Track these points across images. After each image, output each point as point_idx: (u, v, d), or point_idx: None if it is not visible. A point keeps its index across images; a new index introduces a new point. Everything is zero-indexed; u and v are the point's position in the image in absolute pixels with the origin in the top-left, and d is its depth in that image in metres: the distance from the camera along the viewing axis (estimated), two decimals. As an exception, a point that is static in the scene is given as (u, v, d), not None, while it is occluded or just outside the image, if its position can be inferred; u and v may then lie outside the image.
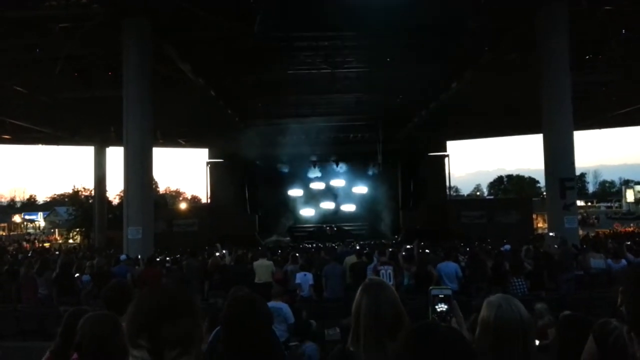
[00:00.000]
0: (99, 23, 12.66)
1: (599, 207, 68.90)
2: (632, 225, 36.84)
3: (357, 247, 17.03)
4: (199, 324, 1.41)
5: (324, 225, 31.66)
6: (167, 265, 12.25)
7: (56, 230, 49.31)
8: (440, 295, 2.05)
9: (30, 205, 73.82)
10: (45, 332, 6.84)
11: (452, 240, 20.36)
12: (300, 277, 9.40)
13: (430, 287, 2.11)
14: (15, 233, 52.29)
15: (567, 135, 13.59)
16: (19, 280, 10.56)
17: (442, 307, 2.02)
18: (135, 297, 1.44)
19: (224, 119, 23.48)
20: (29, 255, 18.35)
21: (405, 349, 1.30)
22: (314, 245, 22.75)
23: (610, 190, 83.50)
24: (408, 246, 14.28)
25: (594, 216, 55.01)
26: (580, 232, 16.47)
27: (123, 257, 11.33)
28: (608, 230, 29.10)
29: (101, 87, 16.24)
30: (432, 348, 1.26)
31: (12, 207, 74.55)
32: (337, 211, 32.81)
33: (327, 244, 21.21)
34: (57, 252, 19.50)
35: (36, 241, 38.41)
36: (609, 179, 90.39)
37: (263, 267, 10.33)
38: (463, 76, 17.89)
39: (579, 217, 17.41)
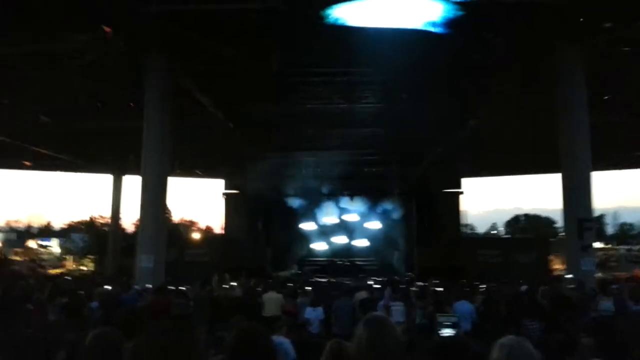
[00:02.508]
0: (122, 57, 13.06)
1: (619, 249, 67.32)
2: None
3: (370, 283, 16.79)
4: None
5: (336, 260, 31.38)
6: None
7: (70, 257, 49.53)
8: (446, 323, 2.02)
9: (47, 232, 74.53)
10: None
11: (469, 280, 19.98)
12: (309, 312, 9.28)
13: (438, 315, 2.09)
14: (26, 259, 52.61)
15: (586, 175, 13.43)
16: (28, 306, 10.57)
17: (448, 331, 1.98)
18: (138, 336, 1.48)
19: (241, 151, 23.75)
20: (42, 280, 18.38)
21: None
22: (326, 279, 22.49)
23: (629, 232, 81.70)
24: (419, 283, 14.04)
25: (613, 259, 53.67)
26: (600, 274, 16.06)
27: (137, 287, 11.33)
28: (626, 274, 28.29)
29: (122, 117, 16.63)
30: None
31: (29, 232, 75.33)
32: (349, 246, 32.55)
33: (338, 279, 20.96)
34: (68, 278, 19.51)
35: (49, 267, 38.55)
36: (628, 220, 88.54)
37: (272, 300, 10.23)
38: (479, 113, 17.92)
39: (597, 259, 17.02)
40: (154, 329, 1.56)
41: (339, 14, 10.63)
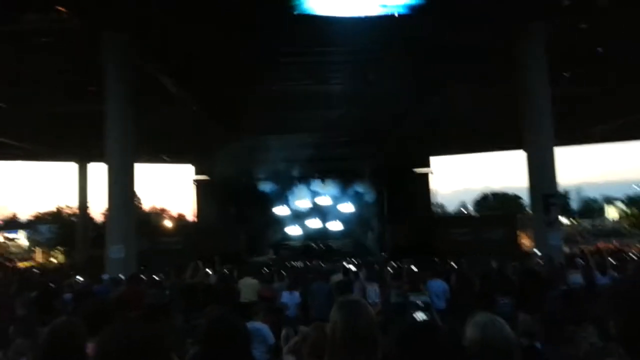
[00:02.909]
0: (80, 37, 12.57)
1: (583, 223, 69.60)
2: (613, 241, 37.20)
3: (345, 265, 16.91)
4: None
5: (311, 243, 31.50)
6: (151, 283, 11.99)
7: (38, 249, 48.39)
8: (418, 302, 2.01)
9: (12, 224, 72.38)
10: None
11: (440, 258, 20.34)
12: (286, 296, 9.27)
13: (407, 293, 2.10)
14: (-6, 252, 51.11)
15: (548, 151, 13.72)
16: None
17: (421, 314, 1.98)
18: (104, 331, 1.42)
19: (208, 135, 23.38)
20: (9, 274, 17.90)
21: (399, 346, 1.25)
22: (301, 263, 22.56)
23: (593, 207, 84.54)
24: (394, 263, 14.21)
25: (577, 233, 55.54)
26: (567, 249, 16.57)
27: (105, 276, 11.09)
28: (591, 247, 29.39)
29: (82, 101, 16.07)
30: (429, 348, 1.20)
31: (-8, 225, 72.99)
32: (323, 229, 32.70)
33: (313, 262, 21.04)
34: (36, 271, 19.04)
35: (16, 260, 37.57)
36: (591, 195, 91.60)
37: (248, 286, 10.17)
38: (444, 91, 18.02)
39: (563, 234, 17.56)
40: (121, 321, 1.49)
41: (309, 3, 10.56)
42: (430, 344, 1.24)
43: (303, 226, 32.50)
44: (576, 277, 9.32)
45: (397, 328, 1.33)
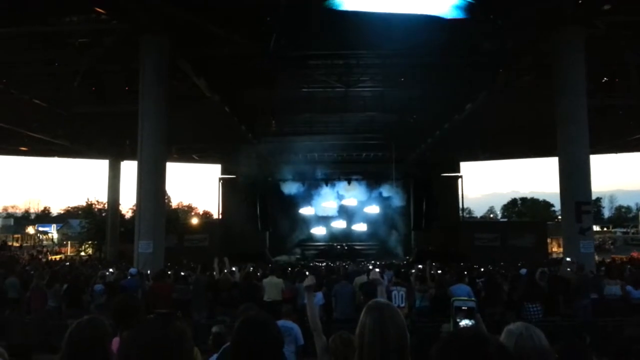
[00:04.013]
0: (117, 39, 12.86)
1: (615, 232, 67.71)
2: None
3: (370, 267, 16.83)
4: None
5: (335, 244, 31.48)
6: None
7: (68, 242, 49.63)
8: (463, 308, 1.93)
9: (44, 217, 74.56)
10: (52, 345, 6.78)
11: (466, 263, 20.06)
12: (309, 296, 9.27)
13: (453, 299, 2.02)
14: (28, 244, 52.70)
15: (583, 158, 13.38)
16: (28, 292, 10.59)
17: (466, 322, 1.89)
18: (129, 332, 1.46)
19: (238, 136, 23.62)
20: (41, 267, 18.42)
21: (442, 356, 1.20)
22: (324, 263, 22.57)
23: (626, 216, 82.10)
24: (419, 266, 14.07)
25: (610, 241, 54.01)
26: (597, 257, 16.13)
27: (133, 270, 11.31)
28: (625, 257, 28.51)
29: (117, 101, 16.45)
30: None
31: (26, 218, 75.32)
32: (348, 230, 32.63)
33: (337, 263, 21.01)
34: (67, 264, 19.54)
35: (48, 253, 38.62)
36: (625, 204, 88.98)
37: (272, 285, 10.21)
38: (477, 97, 17.82)
39: (595, 242, 17.08)
40: (147, 319, 1.54)
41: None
42: (478, 356, 1.16)
43: (328, 227, 32.50)
44: (614, 289, 9.06)
45: (444, 337, 1.25)
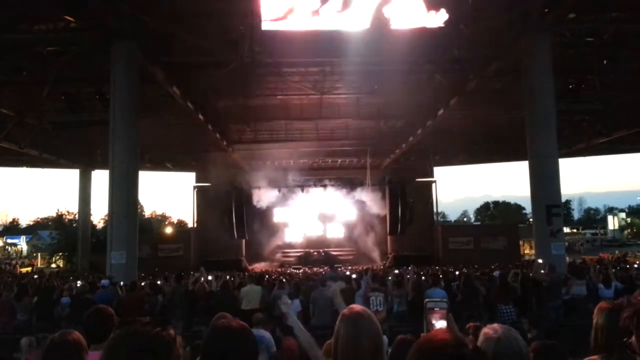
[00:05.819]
0: (88, 47, 12.64)
1: (585, 233, 69.44)
2: (616, 252, 37.08)
3: (347, 273, 16.84)
4: None
5: (312, 250, 31.41)
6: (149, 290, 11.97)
7: (38, 254, 48.34)
8: (436, 309, 1.92)
9: (12, 229, 72.34)
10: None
11: (441, 266, 20.29)
12: (286, 303, 9.21)
13: (426, 300, 2.00)
14: (-5, 257, 51.06)
15: (553, 162, 13.71)
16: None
17: (441, 323, 1.88)
18: (112, 335, 1.41)
19: (212, 144, 23.43)
20: (9, 279, 17.86)
21: None
22: (302, 270, 22.51)
23: (595, 217, 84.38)
24: (396, 271, 14.15)
25: (579, 242, 55.34)
26: (567, 258, 16.52)
27: (105, 282, 11.04)
28: (593, 258, 29.29)
29: (88, 110, 16.15)
30: None
31: (-7, 230, 72.99)
32: (324, 236, 32.62)
33: (314, 269, 20.98)
34: (35, 277, 18.98)
35: (17, 266, 37.51)
36: (593, 205, 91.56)
37: (252, 293, 10.11)
38: (449, 103, 18.10)
39: (566, 243, 17.49)
40: (126, 329, 1.47)
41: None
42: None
43: (304, 234, 32.43)
44: (580, 289, 9.27)
45: (418, 341, 1.23)
